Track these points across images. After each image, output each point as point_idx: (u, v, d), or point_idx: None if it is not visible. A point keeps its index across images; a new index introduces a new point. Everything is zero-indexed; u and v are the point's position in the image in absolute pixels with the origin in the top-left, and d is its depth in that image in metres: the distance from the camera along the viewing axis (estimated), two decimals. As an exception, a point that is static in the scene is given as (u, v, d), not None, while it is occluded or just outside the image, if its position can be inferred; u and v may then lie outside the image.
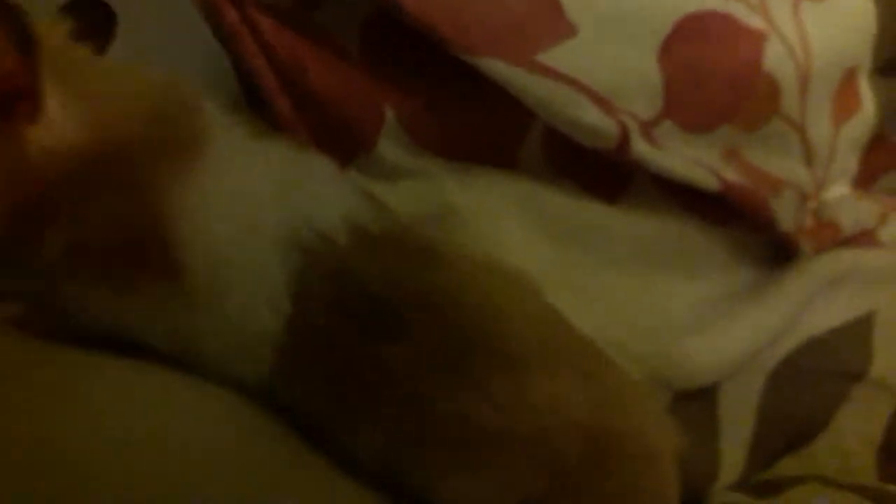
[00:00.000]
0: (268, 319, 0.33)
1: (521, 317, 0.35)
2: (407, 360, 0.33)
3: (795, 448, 0.46)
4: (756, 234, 0.49)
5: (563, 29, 0.41)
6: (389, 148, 0.42)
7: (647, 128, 0.44)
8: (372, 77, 0.41)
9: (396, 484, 0.34)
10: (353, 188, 0.37)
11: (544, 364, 0.34)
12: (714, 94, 0.46)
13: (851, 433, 0.46)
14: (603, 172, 0.45)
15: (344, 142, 0.41)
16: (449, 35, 0.39)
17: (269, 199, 0.34)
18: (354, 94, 0.41)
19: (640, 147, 0.43)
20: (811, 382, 0.46)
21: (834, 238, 0.51)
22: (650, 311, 0.45)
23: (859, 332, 0.48)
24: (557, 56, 0.41)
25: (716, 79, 0.46)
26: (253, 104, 0.41)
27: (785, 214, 0.47)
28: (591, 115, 0.41)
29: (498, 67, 0.39)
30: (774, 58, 0.48)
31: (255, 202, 0.34)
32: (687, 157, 0.45)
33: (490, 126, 0.43)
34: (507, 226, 0.43)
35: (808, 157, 0.52)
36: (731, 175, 0.46)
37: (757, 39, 0.47)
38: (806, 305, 0.48)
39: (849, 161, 0.55)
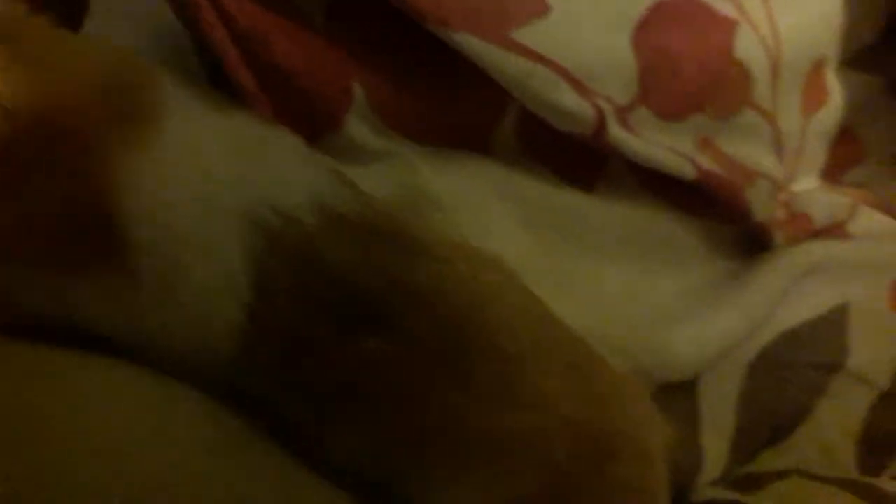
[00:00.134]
0: (226, 306, 0.31)
1: (506, 306, 0.33)
2: (388, 353, 0.30)
3: (776, 441, 0.46)
4: (731, 224, 0.48)
5: (536, 6, 0.40)
6: (358, 127, 0.40)
7: (623, 113, 0.43)
8: (338, 50, 0.39)
9: (375, 486, 0.32)
10: (321, 166, 0.35)
11: (534, 359, 0.32)
12: (687, 81, 0.46)
13: (831, 425, 0.46)
14: (577, 160, 0.44)
15: (310, 119, 0.39)
16: (423, 7, 0.37)
17: (228, 176, 0.32)
18: (320, 68, 0.39)
19: (617, 133, 0.42)
20: (789, 375, 0.46)
21: (806, 230, 0.51)
22: (630, 302, 0.44)
23: (834, 324, 0.48)
24: (532, 34, 0.40)
25: (688, 65, 0.46)
26: (216, 81, 0.38)
27: (759, 205, 0.47)
28: (569, 99, 0.40)
29: (473, 44, 0.38)
30: (745, 45, 0.48)
31: (212, 178, 0.31)
32: (662, 145, 0.44)
33: (463, 109, 0.42)
34: (484, 212, 0.42)
35: (779, 148, 0.52)
36: (707, 163, 0.45)
37: (728, 27, 0.47)
38: (781, 297, 0.47)
39: (818, 153, 0.56)
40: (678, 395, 0.44)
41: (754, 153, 0.49)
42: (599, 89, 0.42)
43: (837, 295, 0.49)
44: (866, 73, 0.54)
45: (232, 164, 0.32)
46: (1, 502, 0.24)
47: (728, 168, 0.47)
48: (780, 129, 0.50)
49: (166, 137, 0.31)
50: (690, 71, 0.46)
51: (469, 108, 0.42)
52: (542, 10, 0.40)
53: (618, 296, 0.44)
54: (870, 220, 0.53)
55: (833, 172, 0.57)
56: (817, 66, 0.52)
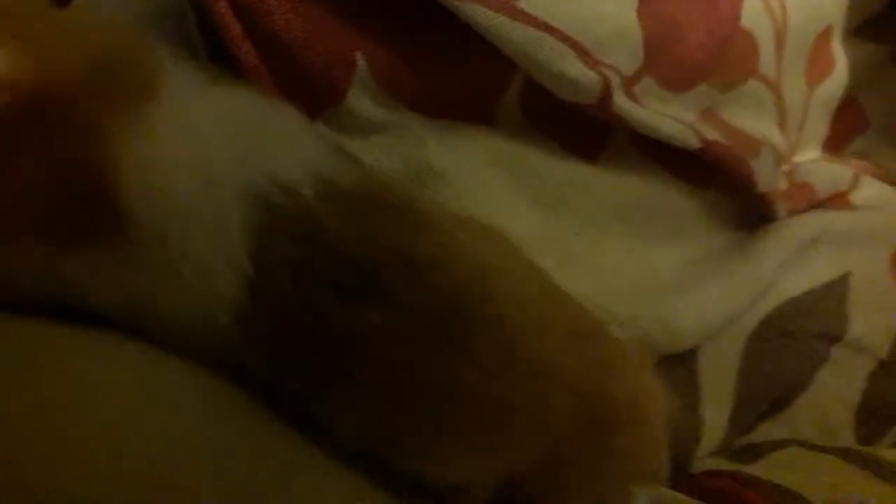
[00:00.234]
0: (225, 280, 0.30)
1: (508, 276, 0.33)
2: (389, 325, 0.30)
3: (775, 411, 0.46)
4: (734, 195, 0.48)
5: None
6: (361, 100, 0.39)
7: (629, 84, 0.43)
8: (340, 20, 0.38)
9: (377, 459, 0.32)
10: (321, 139, 0.34)
11: (535, 327, 0.32)
12: (693, 50, 0.45)
13: (830, 395, 0.46)
14: (581, 131, 0.44)
15: (311, 92, 0.39)
16: None
17: (227, 148, 0.31)
18: (322, 39, 0.38)
19: (622, 103, 0.41)
20: (790, 344, 0.46)
21: (808, 200, 0.51)
22: (632, 272, 0.44)
23: (835, 293, 0.48)
24: (538, 3, 0.39)
25: (694, 34, 0.45)
26: (216, 55, 0.38)
27: (763, 175, 0.47)
28: (575, 68, 0.39)
29: (478, 13, 0.37)
30: (752, 14, 0.47)
31: (211, 151, 0.31)
32: (667, 115, 0.44)
33: (466, 80, 0.41)
34: (488, 185, 0.41)
35: (782, 119, 0.51)
36: (711, 134, 0.45)
37: None
38: (782, 267, 0.47)
39: (820, 124, 0.55)
40: (678, 365, 0.44)
41: (758, 125, 0.49)
42: (605, 58, 0.41)
43: (839, 265, 0.49)
44: (872, 42, 0.54)
45: (230, 137, 0.31)
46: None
47: (733, 138, 0.46)
48: (784, 99, 0.50)
49: (163, 111, 0.30)
50: (696, 40, 0.45)
51: (473, 79, 0.41)
52: None
53: (620, 266, 0.44)
54: (872, 189, 0.53)
55: (835, 142, 0.57)
56: (823, 35, 0.52)
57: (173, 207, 0.30)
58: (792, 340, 0.46)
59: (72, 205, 0.29)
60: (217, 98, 0.32)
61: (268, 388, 0.31)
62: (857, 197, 0.53)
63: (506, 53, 0.39)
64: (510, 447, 0.32)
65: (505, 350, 0.31)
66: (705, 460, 0.44)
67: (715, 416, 0.45)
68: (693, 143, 0.44)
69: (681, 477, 0.42)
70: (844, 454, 0.43)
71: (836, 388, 0.46)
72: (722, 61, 0.46)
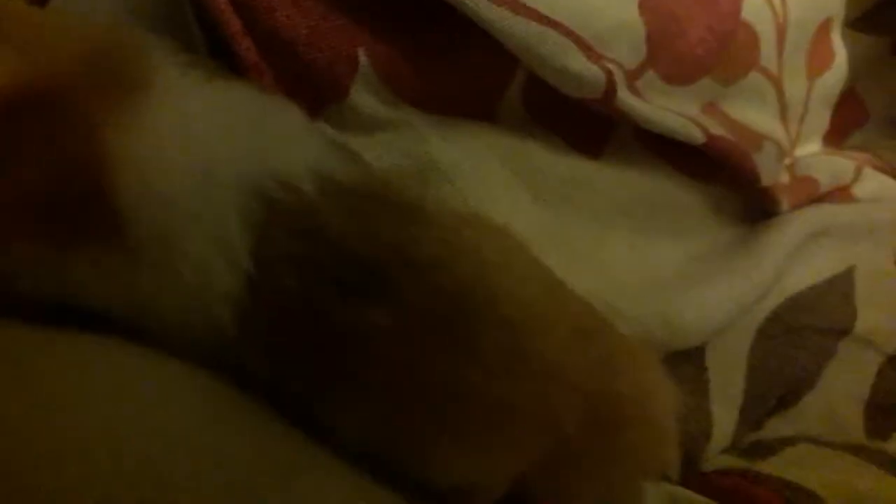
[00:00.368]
0: (224, 276, 0.30)
1: (511, 274, 0.32)
2: (392, 324, 0.30)
3: (784, 407, 0.46)
4: (737, 190, 0.48)
5: None
6: (363, 96, 0.39)
7: (631, 78, 0.42)
8: (343, 17, 0.38)
9: (380, 460, 0.31)
10: (322, 137, 0.34)
11: (539, 325, 0.31)
12: (695, 44, 0.45)
13: (839, 390, 0.46)
14: (584, 126, 0.43)
15: (314, 89, 0.38)
16: None
17: (226, 144, 0.31)
18: (324, 37, 0.37)
19: (626, 98, 0.41)
20: (798, 339, 0.46)
21: (811, 194, 0.51)
22: (637, 269, 0.44)
23: (841, 287, 0.48)
24: None
25: (696, 28, 0.45)
26: (216, 52, 0.37)
27: (766, 169, 0.47)
28: (578, 63, 0.39)
29: (482, 7, 0.37)
30: (753, 8, 0.47)
31: (209, 147, 0.30)
32: (670, 110, 0.43)
33: (470, 76, 0.41)
34: (491, 181, 0.41)
35: (784, 113, 0.51)
36: (714, 128, 0.44)
37: None
38: (787, 262, 0.47)
39: (821, 117, 0.55)
40: (686, 362, 0.44)
41: (760, 118, 0.49)
42: (608, 52, 0.41)
43: (843, 258, 0.49)
44: (872, 34, 0.53)
45: (228, 133, 0.31)
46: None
47: (735, 132, 0.46)
48: (785, 93, 0.50)
49: (157, 106, 0.30)
50: (698, 33, 0.45)
51: (475, 75, 0.41)
52: None
53: (625, 263, 0.43)
54: (875, 182, 0.53)
55: (836, 136, 0.56)
56: (823, 28, 0.51)
57: (170, 202, 0.29)
58: (799, 336, 0.46)
59: (69, 205, 0.29)
60: (214, 93, 0.32)
61: (270, 389, 0.31)
62: (859, 190, 0.52)
63: (508, 48, 0.38)
64: (515, 447, 0.31)
65: (509, 350, 0.30)
66: (716, 458, 0.44)
67: (724, 413, 0.44)
68: (697, 137, 0.43)
69: (692, 475, 0.41)
70: (855, 450, 0.43)
71: (845, 384, 0.46)
72: (723, 55, 0.46)
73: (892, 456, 0.43)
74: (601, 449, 0.32)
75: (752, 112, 0.49)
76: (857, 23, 0.53)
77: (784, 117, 0.51)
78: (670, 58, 0.44)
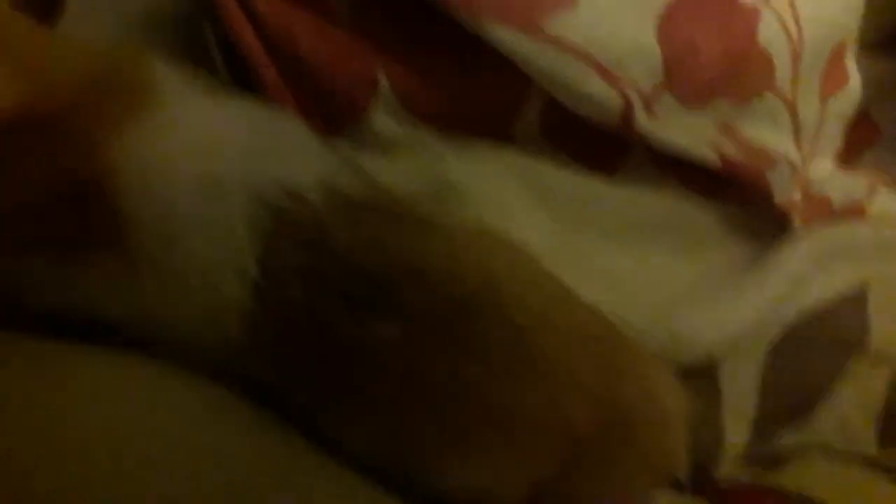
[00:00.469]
0: (231, 285, 0.30)
1: (520, 283, 0.33)
2: (399, 336, 0.30)
3: (797, 420, 0.46)
4: (750, 207, 0.48)
5: None
6: (382, 118, 0.40)
7: (649, 101, 0.43)
8: (363, 42, 0.39)
9: (390, 472, 0.31)
10: (330, 151, 0.35)
11: (550, 333, 0.32)
12: (710, 68, 0.46)
13: (851, 404, 0.46)
14: (600, 147, 0.44)
15: (332, 110, 0.39)
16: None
17: (234, 156, 0.31)
18: (345, 61, 0.39)
19: (644, 122, 0.42)
20: (811, 354, 0.46)
21: (824, 212, 0.51)
22: (650, 286, 0.44)
23: (855, 304, 0.48)
24: (561, 25, 0.40)
25: (711, 53, 0.46)
26: (235, 77, 0.39)
27: (780, 188, 0.47)
28: (597, 87, 0.40)
29: (503, 35, 0.38)
30: (768, 33, 0.48)
31: (216, 156, 0.31)
32: (686, 132, 0.44)
33: (486, 98, 0.42)
34: (507, 201, 0.42)
35: (797, 133, 0.52)
36: (729, 150, 0.46)
37: (751, 15, 0.47)
38: (801, 279, 0.48)
39: (834, 136, 0.56)
40: (699, 376, 0.45)
41: (773, 138, 0.49)
42: (625, 76, 0.42)
43: (857, 275, 0.49)
44: (885, 58, 0.54)
45: (237, 142, 0.32)
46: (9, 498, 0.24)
47: (749, 153, 0.47)
48: (799, 115, 0.51)
49: (164, 118, 0.31)
50: (713, 58, 0.45)
51: (493, 97, 0.42)
52: (570, 2, 0.41)
53: (638, 280, 0.44)
54: (888, 201, 0.54)
55: (849, 155, 0.57)
56: (838, 50, 0.52)
57: (177, 212, 0.30)
58: (812, 351, 0.46)
59: (75, 219, 0.29)
60: (219, 105, 0.33)
61: (274, 398, 0.31)
62: (872, 207, 0.53)
63: (528, 73, 0.39)
64: (528, 455, 0.32)
65: (518, 357, 0.31)
66: (728, 468, 0.44)
67: (736, 426, 0.45)
68: (713, 161, 0.44)
69: (704, 486, 0.42)
70: (867, 462, 0.44)
71: (857, 397, 0.46)
72: (738, 78, 0.47)
73: (904, 469, 0.43)
74: (613, 452, 0.33)
75: (765, 132, 0.49)
76: (869, 45, 0.54)
77: (797, 137, 0.52)
78: (686, 80, 0.45)
